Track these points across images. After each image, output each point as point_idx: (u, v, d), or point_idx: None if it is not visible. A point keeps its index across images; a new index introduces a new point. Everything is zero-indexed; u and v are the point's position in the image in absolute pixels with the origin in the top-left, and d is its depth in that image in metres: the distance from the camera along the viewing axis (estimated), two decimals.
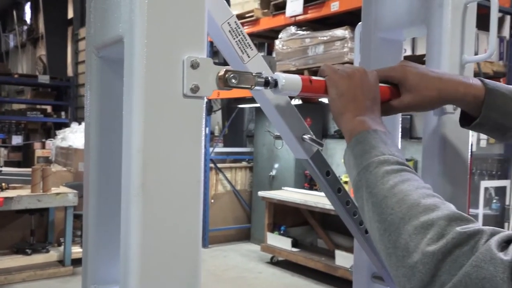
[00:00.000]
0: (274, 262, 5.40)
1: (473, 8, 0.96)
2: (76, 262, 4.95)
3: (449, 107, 0.92)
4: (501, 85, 0.81)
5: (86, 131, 0.82)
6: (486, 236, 0.54)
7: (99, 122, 0.81)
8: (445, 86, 0.79)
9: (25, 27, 14.12)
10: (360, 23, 1.11)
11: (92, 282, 0.81)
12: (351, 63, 4.33)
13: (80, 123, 7.35)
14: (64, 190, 4.97)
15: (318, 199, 4.72)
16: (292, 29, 5.10)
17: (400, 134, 1.11)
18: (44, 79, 10.46)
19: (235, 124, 7.02)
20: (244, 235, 6.45)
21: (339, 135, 5.75)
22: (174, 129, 0.65)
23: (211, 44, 3.92)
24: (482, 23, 0.96)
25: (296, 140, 0.86)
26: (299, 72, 4.89)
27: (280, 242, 5.19)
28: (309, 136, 0.86)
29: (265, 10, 5.45)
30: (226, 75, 0.69)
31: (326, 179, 0.90)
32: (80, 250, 5.09)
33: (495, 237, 0.54)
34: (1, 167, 6.15)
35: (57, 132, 7.30)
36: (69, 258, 4.91)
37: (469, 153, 0.97)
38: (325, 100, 0.85)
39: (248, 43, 0.81)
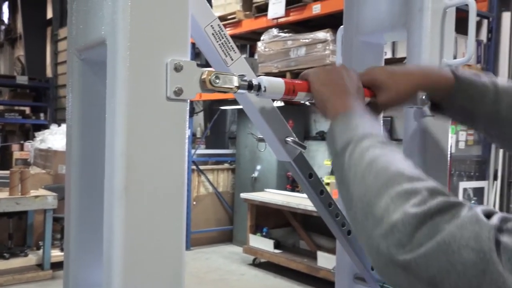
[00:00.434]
0: (256, 264, 5.40)
1: (452, 13, 0.98)
2: (56, 265, 4.87)
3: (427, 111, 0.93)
4: (469, 73, 0.83)
5: (67, 133, 0.82)
6: (468, 208, 0.55)
7: (80, 124, 0.80)
8: (415, 76, 0.81)
9: (3, 27, 13.86)
10: (342, 26, 1.13)
11: (74, 285, 0.81)
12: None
13: (59, 125, 7.24)
14: (43, 192, 4.89)
15: (300, 201, 4.73)
16: (274, 31, 5.12)
17: None
18: (22, 80, 10.28)
19: (217, 126, 7.01)
20: (226, 237, 6.43)
21: (320, 137, 5.78)
22: (158, 132, 0.65)
23: (193, 45, 3.91)
24: (460, 26, 0.98)
25: (279, 142, 0.87)
26: (281, 74, 4.91)
27: (263, 243, 5.19)
28: (292, 138, 0.87)
29: (247, 12, 5.45)
30: (210, 78, 0.69)
31: (309, 181, 0.91)
32: (60, 253, 5.01)
33: (478, 207, 0.55)
34: None
35: (36, 134, 7.18)
36: (48, 262, 4.83)
37: (449, 155, 0.99)
38: (307, 102, 0.86)
39: (231, 46, 0.82)
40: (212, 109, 7.01)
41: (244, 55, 5.81)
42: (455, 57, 0.99)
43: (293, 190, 5.62)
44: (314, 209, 4.18)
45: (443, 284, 0.53)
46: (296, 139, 0.87)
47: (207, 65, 0.83)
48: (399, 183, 0.58)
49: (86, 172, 0.81)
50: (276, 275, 5.04)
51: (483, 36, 4.27)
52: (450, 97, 0.82)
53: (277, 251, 5.09)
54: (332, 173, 5.33)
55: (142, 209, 0.63)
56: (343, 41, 1.12)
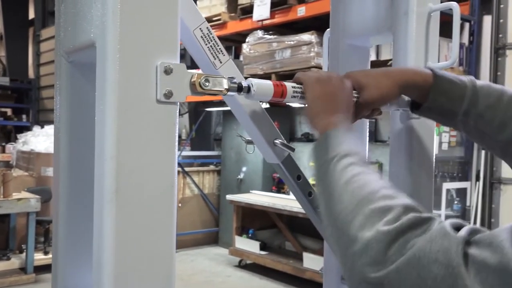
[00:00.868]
0: (242, 266, 5.40)
1: (436, 17, 0.99)
2: (39, 269, 4.81)
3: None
4: (448, 73, 0.85)
5: (55, 136, 0.81)
6: (438, 222, 0.57)
7: (69, 127, 0.80)
8: (394, 73, 0.83)
9: None
10: (328, 29, 1.14)
11: None
12: (317, 67, 4.39)
13: (42, 127, 7.15)
14: (26, 195, 4.82)
15: (285, 202, 4.75)
16: (259, 33, 5.13)
17: (367, 137, 1.14)
18: (3, 81, 10.12)
19: (203, 127, 6.99)
20: (212, 239, 6.42)
21: (306, 139, 5.81)
22: (148, 134, 0.65)
23: None
24: (442, 29, 1.00)
25: (267, 145, 0.88)
26: (266, 76, 4.92)
27: (248, 245, 5.19)
28: (280, 141, 0.88)
29: (232, 14, 5.46)
30: (200, 81, 0.69)
31: (297, 183, 0.92)
32: (43, 257, 4.95)
33: (447, 221, 0.57)
34: None
35: (18, 135, 7.08)
36: (31, 266, 4.76)
37: (434, 157, 1.01)
38: (293, 104, 0.87)
39: (220, 48, 0.82)
40: (197, 111, 6.99)
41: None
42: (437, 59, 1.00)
43: (278, 191, 5.63)
44: (299, 210, 4.18)
45: None
46: (285, 141, 0.88)
47: (192, 66, 0.83)
48: (374, 201, 0.60)
49: (75, 175, 0.80)
50: (262, 276, 5.05)
51: (465, 39, 4.34)
52: (430, 96, 0.83)
53: (263, 252, 5.09)
54: None
55: (132, 212, 0.63)
56: (330, 44, 1.13)
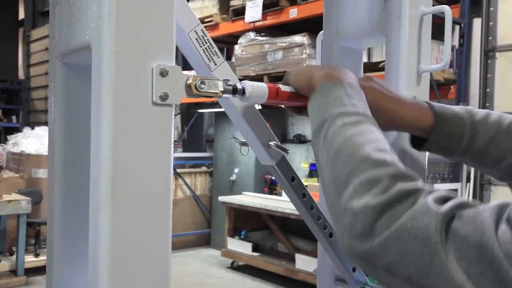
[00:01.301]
0: (234, 267, 5.40)
1: (429, 20, 1.00)
2: (30, 271, 4.78)
3: None
4: (448, 109, 0.85)
5: (50, 138, 0.81)
6: (425, 194, 0.57)
7: (63, 129, 0.80)
8: (397, 115, 0.81)
9: None
10: (321, 31, 1.15)
11: None
12: None
13: (32, 128, 7.10)
14: (17, 197, 4.79)
15: (278, 203, 4.76)
16: (251, 34, 5.14)
17: None
18: None
19: (195, 129, 6.98)
20: (204, 241, 6.41)
21: (298, 140, 5.82)
22: (143, 137, 0.65)
23: None
24: (433, 32, 1.01)
25: (262, 146, 0.88)
26: (258, 77, 4.93)
27: (241, 246, 5.19)
28: (274, 142, 0.88)
29: (224, 15, 5.46)
30: (195, 83, 0.70)
31: (291, 185, 0.92)
32: (34, 259, 4.92)
33: (433, 194, 0.57)
34: None
35: (8, 137, 7.02)
36: (22, 268, 4.73)
37: (427, 158, 1.02)
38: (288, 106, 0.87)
39: (214, 50, 0.82)
40: (189, 112, 6.99)
41: None
42: None
43: (271, 193, 5.64)
44: (292, 211, 4.19)
45: (398, 272, 0.56)
46: (279, 143, 0.89)
47: (184, 67, 0.83)
48: (364, 171, 0.60)
49: (70, 177, 0.80)
50: (254, 278, 5.05)
51: (455, 41, 4.38)
52: (430, 137, 0.84)
53: (255, 254, 5.10)
54: (310, 175, 5.37)
55: (128, 214, 0.63)
56: (323, 46, 1.14)
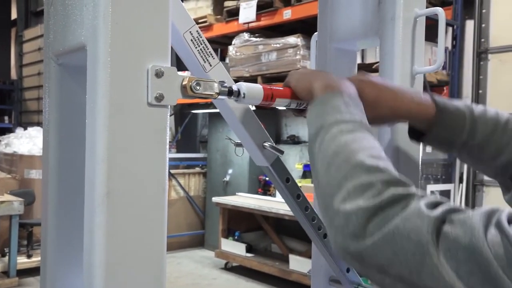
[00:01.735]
0: (228, 268, 5.39)
1: (422, 22, 1.01)
2: (22, 273, 4.74)
3: None
4: (449, 102, 0.86)
5: (44, 139, 0.81)
6: (417, 199, 0.59)
7: (58, 129, 0.80)
8: (398, 105, 0.82)
9: None
10: (316, 33, 1.15)
11: None
12: None
13: (25, 128, 7.06)
14: (9, 198, 4.76)
15: (272, 204, 4.76)
16: (245, 35, 5.14)
17: None
18: None
19: (188, 129, 6.97)
20: (198, 242, 6.40)
21: (292, 141, 5.83)
22: (139, 137, 0.65)
23: None
24: (426, 33, 1.02)
25: (257, 147, 0.88)
26: (252, 78, 4.93)
27: (234, 247, 5.19)
28: (269, 143, 0.88)
29: (218, 16, 5.46)
30: (191, 84, 0.70)
31: (286, 186, 0.93)
32: (26, 260, 4.88)
33: (424, 198, 0.59)
34: None
35: (1, 137, 6.97)
36: (14, 269, 4.70)
37: (420, 159, 1.03)
38: (283, 108, 0.88)
39: (209, 52, 0.82)
40: (183, 113, 6.98)
41: None
42: None
43: (264, 193, 5.64)
44: (286, 212, 4.18)
45: (390, 272, 0.57)
46: (274, 144, 0.89)
47: (178, 68, 0.83)
48: (358, 176, 0.62)
49: (64, 178, 0.80)
50: (248, 279, 5.05)
51: (448, 43, 4.40)
52: (432, 129, 0.84)
53: (249, 255, 5.10)
54: (304, 176, 5.38)
55: (123, 215, 0.63)
56: (317, 48, 1.14)
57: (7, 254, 4.80)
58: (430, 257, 0.55)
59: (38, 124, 8.03)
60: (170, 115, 6.07)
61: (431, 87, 4.18)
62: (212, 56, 0.82)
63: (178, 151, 6.91)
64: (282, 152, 0.90)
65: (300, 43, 4.59)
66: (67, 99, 0.80)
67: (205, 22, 5.44)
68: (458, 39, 4.36)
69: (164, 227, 0.66)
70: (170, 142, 6.81)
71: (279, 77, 4.71)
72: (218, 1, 5.49)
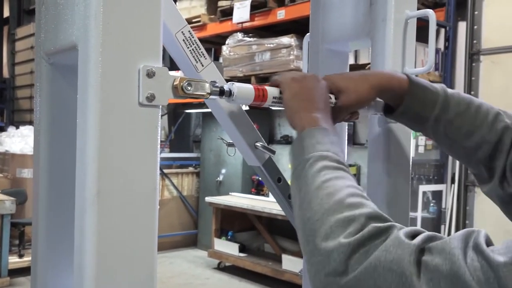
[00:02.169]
0: (221, 268, 5.39)
1: (413, 23, 1.02)
2: (13, 272, 4.71)
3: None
4: (423, 80, 0.88)
5: (35, 138, 0.80)
6: (397, 230, 0.59)
7: (49, 129, 0.79)
8: (371, 77, 0.85)
9: None
10: (308, 34, 1.15)
11: None
12: (297, 70, 4.42)
13: (17, 127, 7.02)
14: (1, 197, 4.72)
15: (265, 204, 4.76)
16: (239, 35, 5.14)
17: (346, 140, 1.16)
18: None
19: (182, 129, 6.96)
20: (191, 241, 6.39)
21: (285, 141, 5.84)
22: (130, 137, 0.65)
23: None
24: (419, 34, 1.03)
25: (248, 147, 0.89)
26: (246, 78, 4.94)
27: (228, 247, 5.19)
28: (261, 143, 0.89)
29: (212, 16, 5.46)
30: (182, 84, 0.70)
31: (278, 186, 0.93)
32: (18, 260, 4.86)
33: (403, 229, 0.59)
34: None
35: None
36: (5, 269, 4.66)
37: (411, 160, 1.03)
38: (273, 107, 0.88)
39: (201, 52, 0.83)
40: (176, 112, 6.96)
41: None
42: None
43: (258, 193, 5.64)
44: (278, 212, 4.19)
45: None
46: (266, 144, 0.89)
47: (172, 67, 0.84)
48: (339, 211, 0.62)
49: (55, 178, 0.80)
50: (241, 278, 5.05)
51: (441, 44, 4.43)
52: (404, 101, 0.86)
53: (242, 254, 5.10)
54: None
55: (114, 215, 0.63)
56: (310, 48, 1.15)
57: None
58: (414, 287, 0.54)
59: (31, 123, 7.97)
60: (163, 115, 6.03)
61: None
62: (204, 56, 0.82)
63: (171, 151, 6.90)
64: (273, 152, 0.90)
65: (293, 44, 4.60)
66: (59, 99, 0.80)
67: (199, 21, 5.43)
68: (450, 40, 4.39)
69: (155, 227, 0.67)
70: (163, 141, 6.81)
71: None
72: (212, 0, 5.49)
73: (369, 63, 1.04)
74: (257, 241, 5.46)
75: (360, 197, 0.65)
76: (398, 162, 1.00)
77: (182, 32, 0.80)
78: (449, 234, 4.15)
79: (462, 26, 4.42)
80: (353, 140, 5.01)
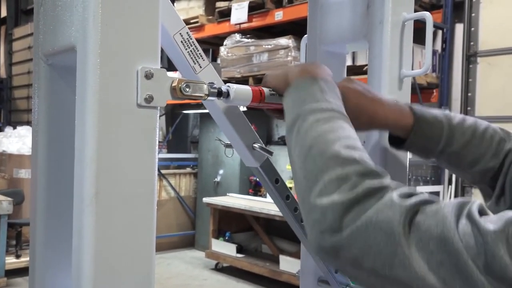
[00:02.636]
0: (219, 269, 5.39)
1: (410, 26, 1.02)
2: (10, 273, 4.71)
3: None
4: (427, 112, 0.88)
5: (33, 139, 0.81)
6: (391, 190, 0.60)
7: (47, 130, 0.80)
8: (376, 114, 0.83)
9: None
10: (305, 35, 1.16)
11: None
12: None
13: (14, 128, 7.00)
14: None
15: (262, 205, 4.77)
16: (237, 36, 5.15)
17: None
18: None
19: (179, 129, 6.96)
20: (189, 242, 6.39)
21: (282, 142, 5.84)
22: (128, 139, 0.65)
23: None
24: (417, 36, 1.03)
25: (246, 148, 0.89)
26: (244, 79, 4.94)
27: (225, 248, 5.19)
28: (259, 144, 0.89)
29: (210, 17, 5.46)
30: (180, 86, 0.70)
31: (275, 187, 0.93)
32: (15, 260, 4.85)
33: (398, 189, 0.60)
34: None
35: None
36: (2, 269, 4.66)
37: (408, 161, 1.04)
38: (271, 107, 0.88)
39: (200, 53, 0.83)
40: (174, 113, 6.96)
41: None
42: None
43: (255, 194, 5.64)
44: (276, 213, 4.19)
45: (363, 264, 0.57)
46: (263, 145, 0.90)
47: (169, 68, 0.84)
48: (333, 168, 0.62)
49: (53, 179, 0.80)
50: (238, 279, 5.05)
51: (438, 46, 4.44)
52: (410, 137, 0.87)
53: (239, 255, 5.10)
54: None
55: (112, 215, 0.63)
56: (307, 50, 1.15)
57: None
58: (401, 247, 0.55)
59: (28, 123, 7.96)
60: (161, 115, 6.03)
61: (421, 89, 4.21)
62: (202, 58, 0.83)
63: (169, 151, 6.90)
64: (271, 153, 0.91)
65: (291, 45, 4.61)
66: (57, 100, 0.80)
67: (196, 22, 5.44)
68: (447, 42, 4.40)
69: (153, 228, 0.67)
70: (161, 142, 6.80)
71: None
72: (210, 1, 5.49)
73: (366, 65, 1.05)
74: (255, 242, 5.46)
75: (353, 149, 0.64)
76: (395, 163, 1.01)
77: (180, 33, 0.80)
78: None
79: (459, 28, 4.44)
80: None
